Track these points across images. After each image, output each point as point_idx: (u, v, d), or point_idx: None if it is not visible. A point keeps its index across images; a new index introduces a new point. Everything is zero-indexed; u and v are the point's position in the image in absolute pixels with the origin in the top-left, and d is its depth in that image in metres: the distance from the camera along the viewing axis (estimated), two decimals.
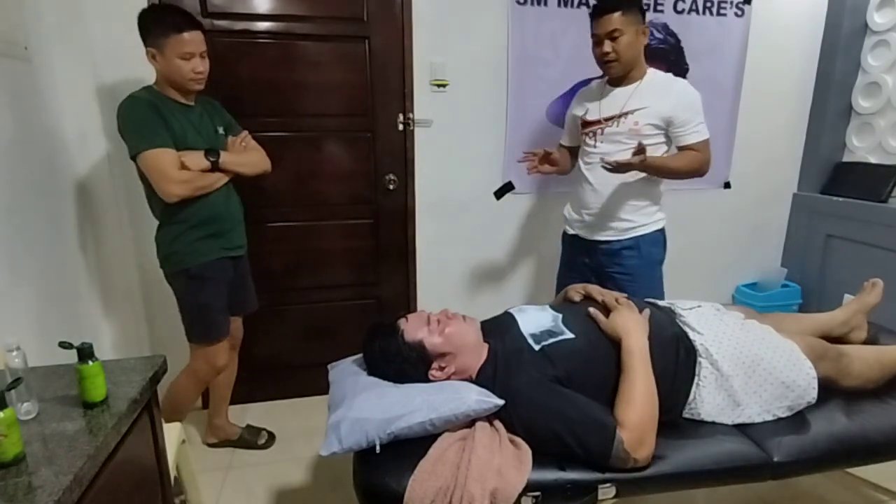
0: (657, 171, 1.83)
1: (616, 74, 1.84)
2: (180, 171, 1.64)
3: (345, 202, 2.40)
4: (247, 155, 1.85)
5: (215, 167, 1.72)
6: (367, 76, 2.27)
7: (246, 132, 1.90)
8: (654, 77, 1.86)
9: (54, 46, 1.84)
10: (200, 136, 1.73)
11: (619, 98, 1.86)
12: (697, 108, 1.82)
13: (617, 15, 1.73)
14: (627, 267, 1.92)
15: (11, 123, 1.56)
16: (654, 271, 1.96)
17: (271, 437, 2.18)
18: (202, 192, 1.71)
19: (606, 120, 1.87)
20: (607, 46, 1.77)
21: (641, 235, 1.91)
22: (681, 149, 1.84)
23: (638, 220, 1.90)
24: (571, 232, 2.07)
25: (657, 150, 1.84)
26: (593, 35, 1.81)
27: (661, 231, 1.96)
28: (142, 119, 1.62)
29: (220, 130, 1.84)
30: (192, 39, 1.63)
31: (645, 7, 2.39)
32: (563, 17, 2.37)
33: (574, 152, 2.08)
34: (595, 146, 1.91)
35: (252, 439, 2.15)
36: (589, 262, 2.02)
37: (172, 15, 1.65)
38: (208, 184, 1.71)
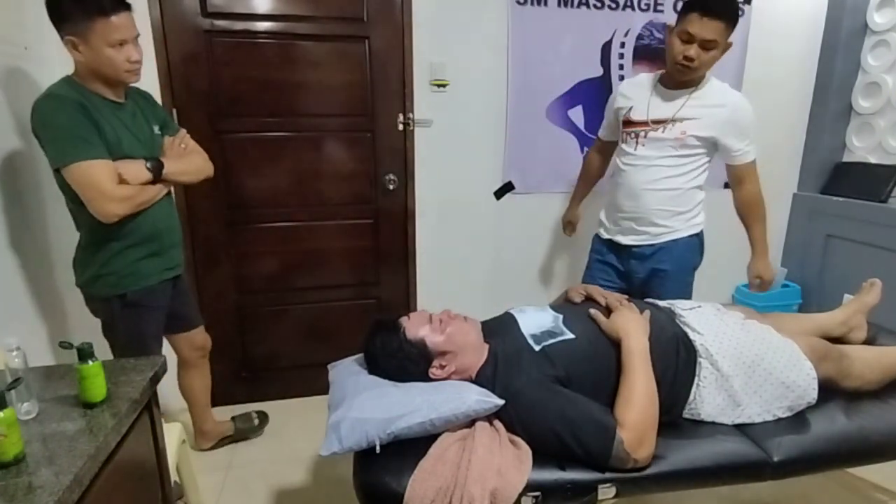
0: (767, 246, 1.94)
1: (686, 79, 1.72)
2: (119, 186, 1.40)
3: (345, 202, 2.40)
4: (188, 160, 1.63)
5: (157, 178, 1.50)
6: (367, 76, 2.27)
7: (183, 131, 1.69)
8: (712, 87, 1.76)
9: (54, 47, 1.83)
10: (138, 141, 1.50)
11: (671, 103, 1.76)
12: (749, 126, 1.76)
13: (722, 25, 1.60)
14: (659, 272, 1.87)
15: (12, 124, 1.57)
16: (686, 276, 1.92)
17: (263, 417, 2.16)
18: (143, 208, 1.49)
19: (655, 123, 1.77)
20: (694, 52, 1.62)
21: (675, 240, 1.85)
22: (729, 167, 1.83)
23: (674, 225, 1.84)
24: (606, 236, 1.99)
25: (698, 160, 1.80)
26: (684, 32, 1.64)
27: (698, 235, 1.90)
28: (69, 123, 1.36)
29: (157, 130, 1.60)
30: (123, 22, 1.37)
31: (645, 7, 2.41)
32: (563, 17, 2.37)
33: (611, 149, 2.00)
34: (635, 150, 1.82)
35: (246, 426, 2.13)
36: (619, 266, 1.97)
37: None
38: (150, 198, 1.50)
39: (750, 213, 1.87)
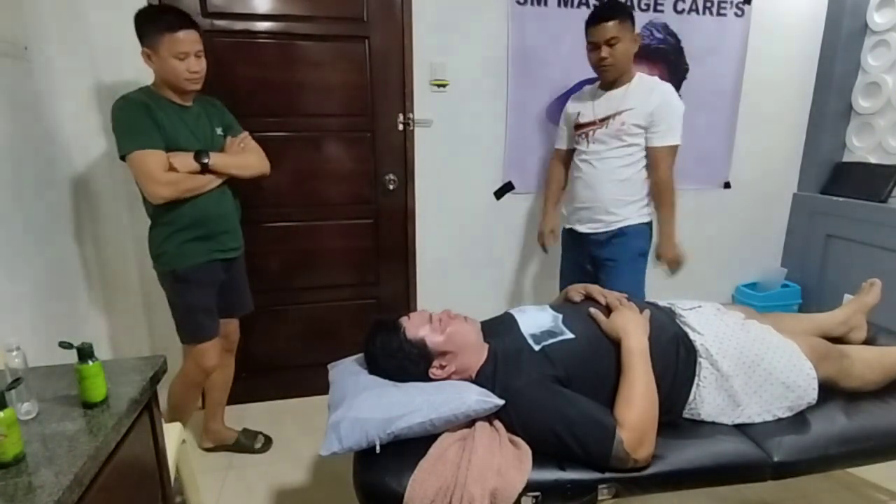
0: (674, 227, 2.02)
1: (610, 79, 1.96)
2: (167, 172, 1.61)
3: (345, 202, 2.40)
4: (242, 156, 1.82)
5: (205, 169, 1.68)
6: (367, 76, 2.27)
7: (246, 133, 1.88)
8: (641, 80, 1.98)
9: (54, 46, 1.84)
10: (194, 137, 1.71)
11: (610, 100, 1.98)
12: (673, 113, 1.92)
13: (614, 23, 1.85)
14: (613, 254, 2.03)
15: (11, 123, 1.57)
16: (636, 262, 2.04)
17: (268, 441, 2.16)
18: (191, 194, 1.67)
19: (601, 121, 1.99)
20: (605, 52, 1.88)
21: (626, 227, 2.01)
22: (648, 150, 1.95)
23: (624, 213, 2.00)
24: (568, 226, 2.19)
25: (641, 146, 1.96)
26: (590, 42, 1.92)
27: (648, 224, 2.07)
28: (131, 120, 1.60)
29: (219, 131, 1.81)
30: (187, 39, 1.60)
31: (645, 7, 2.43)
32: (562, 17, 2.37)
33: (569, 157, 2.19)
34: (587, 147, 2.04)
35: (248, 443, 2.13)
36: (581, 253, 2.14)
37: (167, 14, 1.64)
38: (197, 186, 1.68)
39: (658, 198, 2.01)
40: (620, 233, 2.02)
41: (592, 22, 1.90)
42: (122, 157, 1.62)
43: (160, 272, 1.78)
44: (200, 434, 2.13)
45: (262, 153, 1.88)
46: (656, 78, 2.02)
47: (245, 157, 1.83)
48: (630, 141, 1.95)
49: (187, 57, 1.62)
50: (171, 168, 1.62)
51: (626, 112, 1.93)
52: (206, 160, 1.68)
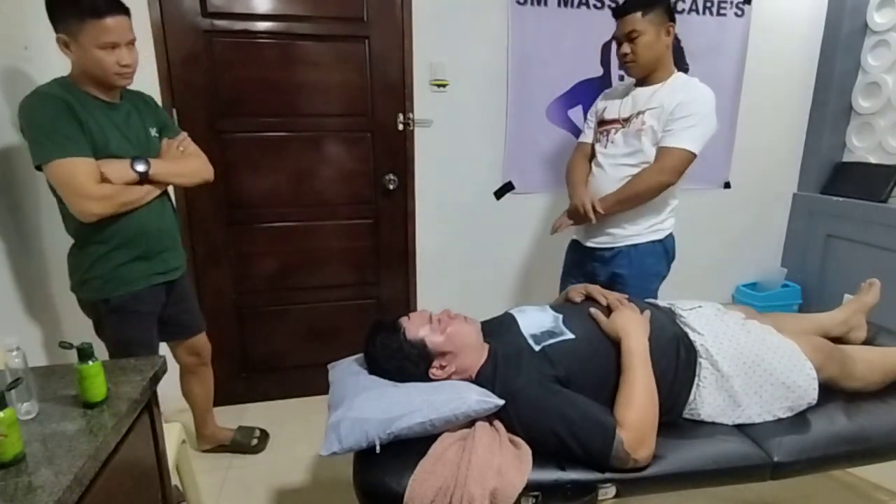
0: (617, 208, 1.77)
1: (636, 76, 1.81)
2: (100, 184, 1.37)
3: (344, 202, 2.39)
4: (184, 162, 1.59)
5: (144, 179, 1.45)
6: (367, 76, 2.27)
7: (184, 134, 1.66)
8: (677, 79, 1.78)
9: (54, 46, 1.83)
10: (127, 141, 1.47)
11: (640, 98, 1.80)
12: (697, 114, 1.69)
13: (637, 16, 1.69)
14: (618, 276, 1.85)
15: (10, 124, 1.56)
16: (647, 284, 1.86)
17: (264, 436, 2.14)
18: (128, 209, 1.45)
19: (624, 120, 1.82)
20: (626, 48, 1.74)
21: (635, 245, 1.83)
22: (658, 149, 1.74)
23: (634, 229, 1.82)
24: (574, 237, 2.04)
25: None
26: (614, 36, 1.79)
27: (660, 242, 1.85)
28: (51, 120, 1.33)
29: (153, 132, 1.58)
30: (117, 26, 1.35)
31: None
32: (563, 17, 2.37)
33: (594, 152, 1.98)
34: (605, 147, 1.86)
35: (245, 441, 2.09)
36: (583, 268, 1.98)
37: None
38: (135, 198, 1.45)
39: (631, 180, 1.76)
40: (628, 250, 1.83)
41: (615, 15, 1.76)
42: (38, 167, 1.37)
43: (86, 300, 1.53)
44: (195, 439, 2.10)
45: (203, 157, 1.67)
46: (695, 79, 1.78)
47: (186, 162, 1.61)
48: (648, 144, 1.76)
49: (117, 47, 1.37)
50: (104, 179, 1.38)
51: (650, 111, 1.75)
52: (144, 168, 1.45)
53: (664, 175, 1.73)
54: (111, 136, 1.44)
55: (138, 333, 1.58)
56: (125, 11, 1.39)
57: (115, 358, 1.50)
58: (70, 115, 1.36)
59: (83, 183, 1.35)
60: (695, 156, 1.71)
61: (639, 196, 1.76)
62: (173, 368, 1.88)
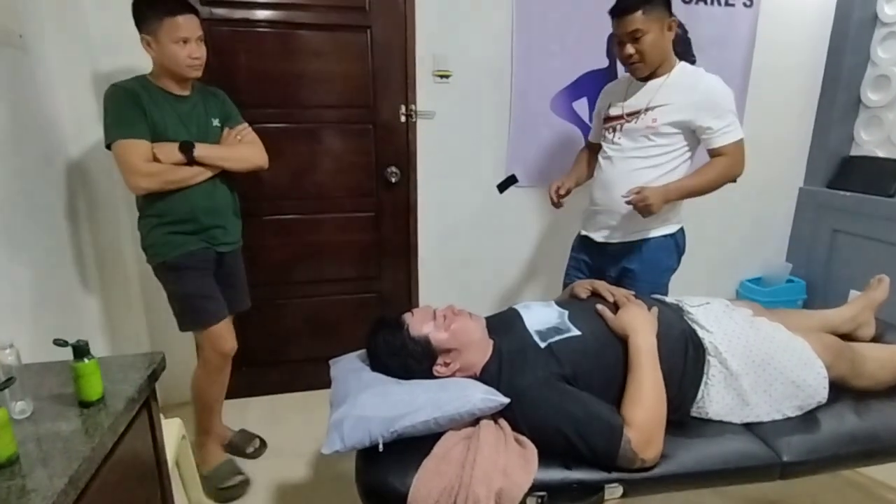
0: (684, 196, 1.76)
1: (642, 75, 1.75)
2: (149, 163, 1.57)
3: (346, 195, 2.37)
4: (236, 149, 1.76)
5: (191, 160, 1.63)
6: (369, 67, 2.23)
7: (245, 125, 1.82)
8: (683, 71, 1.75)
9: (50, 35, 1.80)
10: (185, 128, 1.66)
11: (644, 93, 1.76)
12: (726, 106, 1.70)
13: (638, 14, 1.63)
14: (628, 272, 1.83)
15: (7, 112, 1.53)
16: (658, 279, 1.83)
17: (262, 445, 2.09)
18: (175, 187, 1.63)
19: (629, 115, 1.78)
20: (630, 48, 1.68)
21: (646, 239, 1.81)
22: (710, 152, 1.74)
23: (643, 223, 1.78)
24: (583, 233, 1.99)
25: (675, 153, 1.76)
26: (615, 37, 1.73)
27: (672, 236, 1.83)
28: (118, 108, 1.56)
29: (216, 122, 1.75)
30: (187, 23, 1.57)
31: None
32: (567, 8, 2.33)
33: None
34: (613, 141, 1.83)
35: (242, 445, 2.05)
36: (591, 262, 1.95)
37: None
38: (182, 178, 1.63)
39: (703, 167, 1.75)
40: (639, 246, 1.82)
41: (613, 14, 1.69)
42: (108, 146, 1.58)
43: (153, 266, 1.74)
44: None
45: (259, 145, 1.82)
46: (700, 69, 1.76)
47: (238, 149, 1.77)
48: (659, 142, 1.73)
49: (188, 42, 1.58)
50: (155, 159, 1.58)
51: (660, 108, 1.71)
52: (191, 151, 1.62)
53: (735, 168, 1.76)
54: (171, 123, 1.62)
55: (199, 286, 1.74)
56: (194, 11, 1.60)
57: (181, 316, 1.76)
58: (134, 104, 1.56)
59: (135, 161, 1.56)
60: (742, 137, 1.75)
61: (707, 189, 1.76)
62: (172, 362, 1.86)
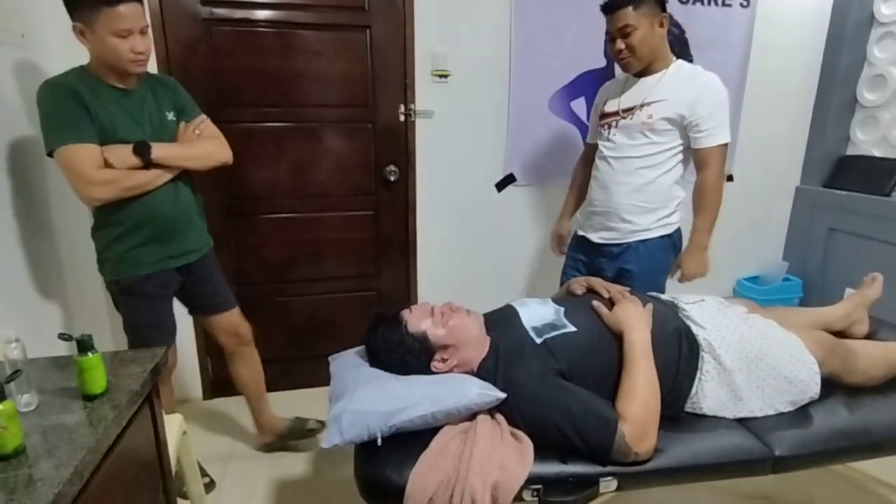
0: (710, 230, 1.80)
1: (633, 70, 1.77)
2: (101, 170, 1.39)
3: (345, 193, 2.38)
4: (195, 146, 1.57)
5: (148, 163, 1.45)
6: (368, 66, 2.25)
7: (203, 117, 1.64)
8: (680, 68, 1.76)
9: (51, 34, 1.81)
10: (138, 126, 1.48)
11: (640, 89, 1.78)
12: (719, 103, 1.71)
13: (628, 10, 1.64)
14: (626, 272, 1.84)
15: (8, 111, 1.55)
16: (656, 279, 1.84)
17: (320, 426, 2.05)
18: (134, 193, 1.45)
19: (625, 112, 1.79)
20: (620, 44, 1.70)
21: (644, 240, 1.81)
22: (696, 154, 1.76)
23: (643, 223, 1.80)
24: (580, 233, 2.00)
25: (670, 151, 1.77)
26: (606, 32, 1.75)
27: (669, 237, 1.84)
28: (58, 109, 1.37)
29: (170, 116, 1.56)
30: (129, 13, 1.36)
31: None
32: (565, 7, 2.34)
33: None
34: (608, 138, 1.84)
35: (301, 427, 2.04)
36: (587, 262, 1.97)
37: None
38: (140, 183, 1.45)
39: (698, 201, 1.78)
40: (636, 246, 1.82)
41: (604, 10, 1.72)
42: (50, 154, 1.40)
43: (105, 281, 1.58)
44: (257, 435, 2.07)
45: (221, 139, 1.65)
46: (699, 67, 1.78)
47: (198, 146, 1.58)
48: (656, 139, 1.74)
49: (130, 34, 1.37)
50: (107, 164, 1.40)
51: (655, 104, 1.72)
52: (146, 154, 1.44)
53: (720, 173, 1.76)
54: (120, 122, 1.45)
55: (148, 316, 1.60)
56: None
57: (130, 339, 1.61)
58: (76, 103, 1.38)
59: (85, 168, 1.38)
60: (728, 142, 1.76)
61: (717, 208, 1.79)
62: (181, 360, 1.87)
